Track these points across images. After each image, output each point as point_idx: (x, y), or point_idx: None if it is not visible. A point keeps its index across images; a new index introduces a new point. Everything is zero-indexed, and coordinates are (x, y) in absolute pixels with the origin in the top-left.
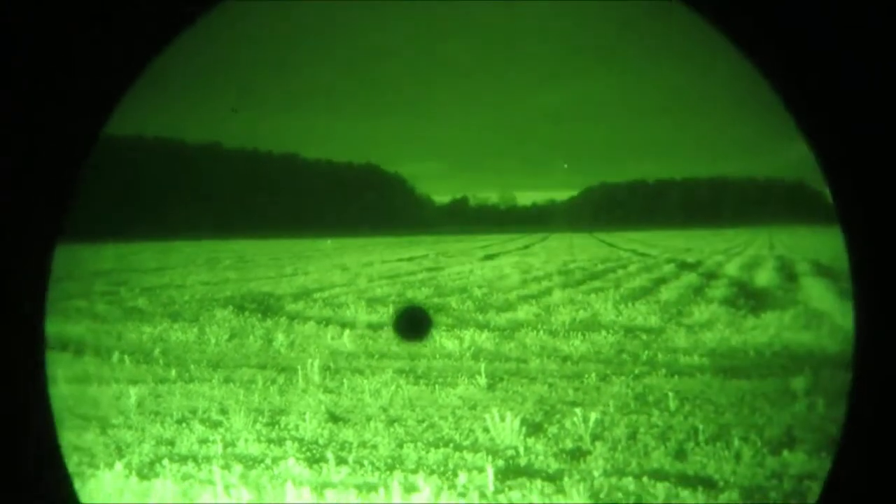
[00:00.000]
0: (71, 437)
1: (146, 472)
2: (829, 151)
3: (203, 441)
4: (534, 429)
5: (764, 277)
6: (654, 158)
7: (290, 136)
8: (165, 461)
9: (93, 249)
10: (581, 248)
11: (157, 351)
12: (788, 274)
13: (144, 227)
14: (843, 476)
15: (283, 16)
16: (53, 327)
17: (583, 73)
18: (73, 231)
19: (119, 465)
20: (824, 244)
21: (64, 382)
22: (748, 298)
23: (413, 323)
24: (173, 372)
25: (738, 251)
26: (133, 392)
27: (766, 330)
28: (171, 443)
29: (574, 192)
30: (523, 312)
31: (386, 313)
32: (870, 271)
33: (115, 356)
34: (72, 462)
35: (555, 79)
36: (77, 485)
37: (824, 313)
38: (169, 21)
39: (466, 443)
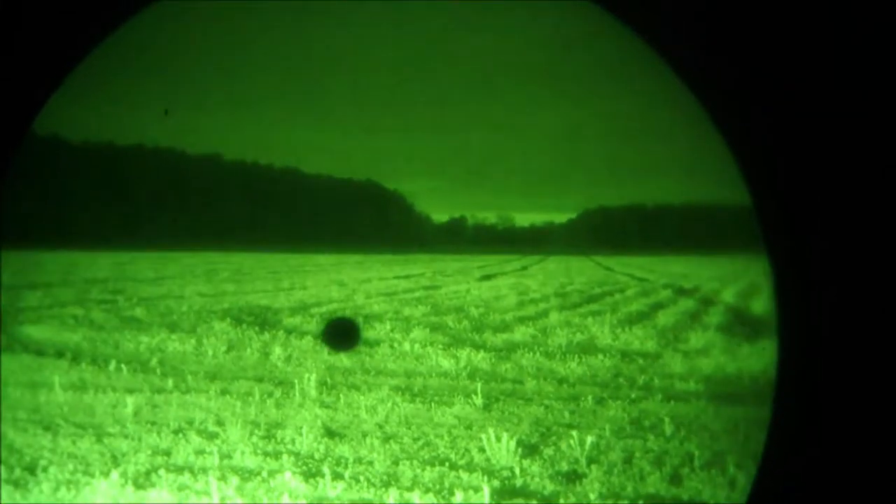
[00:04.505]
0: (66, 445)
1: (142, 481)
2: (749, 157)
3: (199, 452)
4: (529, 450)
5: (760, 305)
6: (654, 182)
7: (290, 150)
8: (162, 471)
9: (87, 257)
10: (578, 271)
11: (154, 361)
12: None
13: (142, 236)
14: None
15: (286, 24)
16: (49, 334)
17: (584, 94)
18: (68, 238)
19: (115, 474)
20: None
21: (60, 389)
22: (744, 325)
23: (341, 333)
24: (170, 382)
25: (734, 278)
26: (130, 401)
27: (761, 357)
28: (168, 453)
29: (572, 215)
30: (520, 333)
31: (383, 330)
32: (793, 293)
33: (112, 365)
34: (66, 470)
35: (554, 99)
36: (71, 493)
37: None
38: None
39: (462, 462)
